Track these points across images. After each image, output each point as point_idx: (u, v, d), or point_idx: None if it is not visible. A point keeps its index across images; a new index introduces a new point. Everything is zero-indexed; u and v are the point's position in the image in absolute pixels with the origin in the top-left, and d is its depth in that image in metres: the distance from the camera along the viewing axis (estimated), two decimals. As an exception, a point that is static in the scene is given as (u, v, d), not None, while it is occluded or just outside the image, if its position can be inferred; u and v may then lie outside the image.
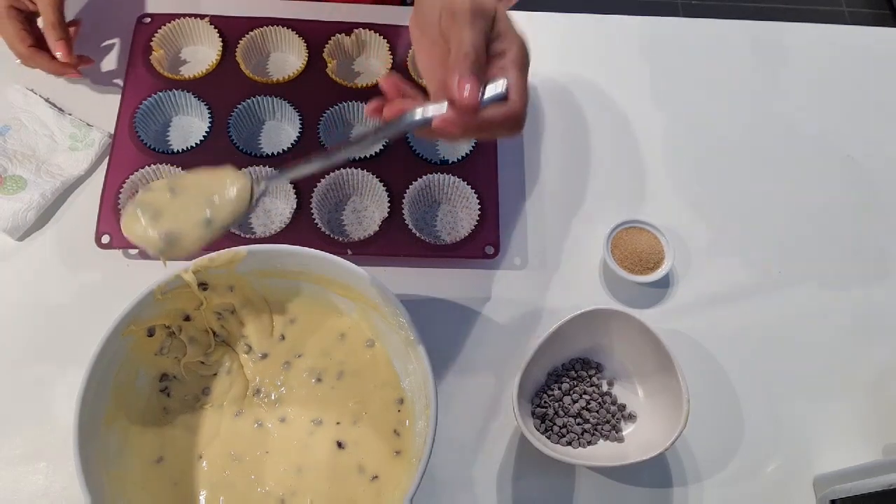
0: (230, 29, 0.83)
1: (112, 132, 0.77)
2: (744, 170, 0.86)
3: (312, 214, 0.74)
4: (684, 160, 0.85)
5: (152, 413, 0.66)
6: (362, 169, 0.76)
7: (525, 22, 0.76)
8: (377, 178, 0.76)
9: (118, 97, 0.79)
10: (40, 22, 0.76)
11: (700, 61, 0.92)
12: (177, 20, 0.82)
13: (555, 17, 0.92)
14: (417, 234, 0.75)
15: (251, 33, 0.82)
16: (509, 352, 0.73)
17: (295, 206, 0.75)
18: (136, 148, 0.76)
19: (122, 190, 0.74)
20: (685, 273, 0.79)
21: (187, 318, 0.67)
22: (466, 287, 0.76)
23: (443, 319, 0.75)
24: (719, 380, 0.75)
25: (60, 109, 0.80)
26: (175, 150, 0.78)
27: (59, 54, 0.75)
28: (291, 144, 0.78)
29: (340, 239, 0.74)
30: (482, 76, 0.48)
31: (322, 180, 0.75)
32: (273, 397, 0.68)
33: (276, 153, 0.77)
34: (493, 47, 0.50)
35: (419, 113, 0.47)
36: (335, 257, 0.63)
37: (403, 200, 0.76)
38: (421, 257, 0.76)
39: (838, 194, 0.85)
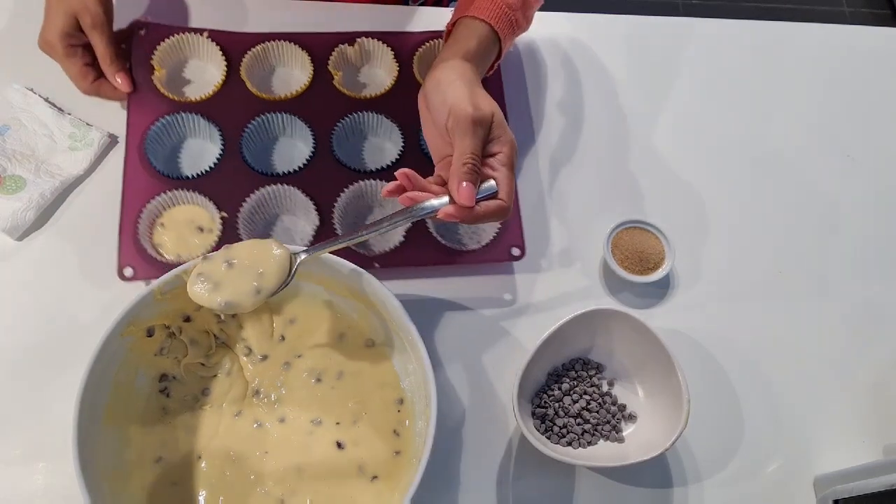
0: (231, 44, 0.80)
1: (110, 132, 0.77)
2: (744, 170, 0.86)
3: (335, 230, 0.73)
4: (684, 160, 0.85)
5: (152, 413, 0.65)
6: (381, 180, 0.75)
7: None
8: None
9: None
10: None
11: (700, 61, 0.92)
12: (176, 35, 0.79)
13: (556, 16, 0.92)
14: (442, 241, 0.74)
15: (254, 49, 0.80)
16: (509, 352, 0.73)
17: (318, 224, 0.73)
18: (149, 175, 0.74)
19: (139, 220, 0.71)
20: (685, 273, 0.79)
21: (187, 319, 0.67)
22: (466, 287, 0.76)
23: (442, 319, 0.74)
24: (719, 380, 0.75)
25: (60, 109, 0.79)
26: (188, 176, 0.75)
27: (119, 83, 0.76)
28: (307, 161, 0.76)
29: (364, 252, 0.73)
30: (478, 180, 0.58)
31: (342, 195, 0.74)
32: (273, 398, 0.68)
33: (291, 171, 0.75)
34: (488, 148, 0.61)
35: (428, 204, 0.58)
36: (335, 257, 0.63)
37: None
38: (448, 265, 0.75)
39: (838, 194, 0.85)
